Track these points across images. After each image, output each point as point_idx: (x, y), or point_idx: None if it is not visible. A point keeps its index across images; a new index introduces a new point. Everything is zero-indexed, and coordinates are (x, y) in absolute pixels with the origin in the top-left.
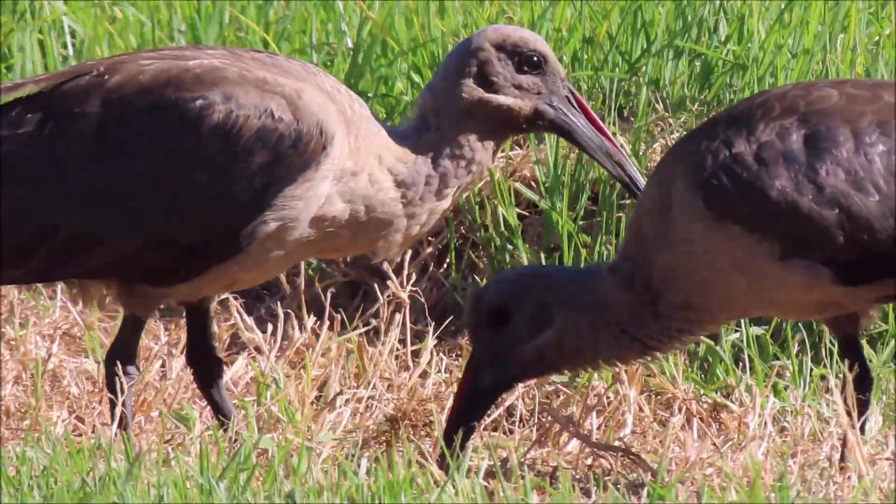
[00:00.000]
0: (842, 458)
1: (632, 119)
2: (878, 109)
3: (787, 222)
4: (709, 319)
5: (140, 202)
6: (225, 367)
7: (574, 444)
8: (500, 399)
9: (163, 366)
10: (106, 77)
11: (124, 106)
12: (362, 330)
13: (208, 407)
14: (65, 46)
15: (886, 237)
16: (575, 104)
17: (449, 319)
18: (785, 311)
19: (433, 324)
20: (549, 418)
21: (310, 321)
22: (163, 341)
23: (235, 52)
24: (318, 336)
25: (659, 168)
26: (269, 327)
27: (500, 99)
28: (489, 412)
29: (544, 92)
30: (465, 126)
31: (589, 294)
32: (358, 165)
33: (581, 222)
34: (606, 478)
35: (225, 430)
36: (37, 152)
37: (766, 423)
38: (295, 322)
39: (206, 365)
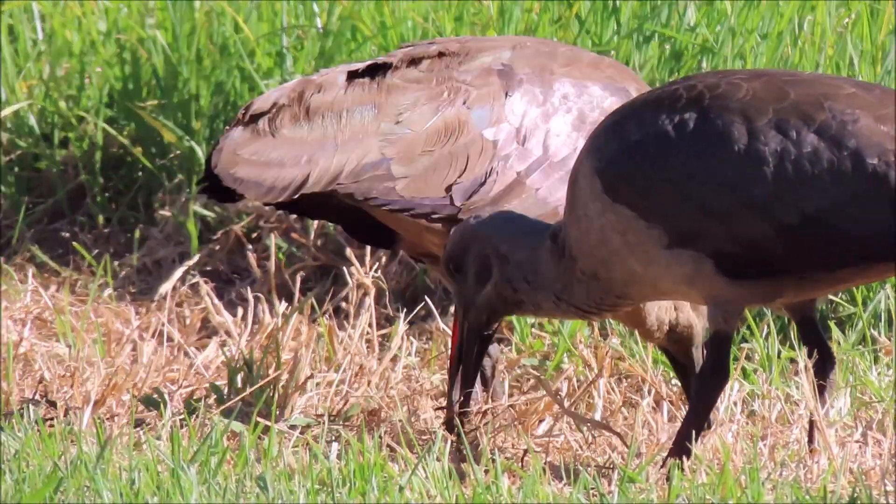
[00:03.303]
0: (810, 441)
1: None
2: (780, 108)
3: (673, 213)
4: (621, 294)
5: None
6: (196, 351)
7: (544, 427)
8: (489, 337)
9: (133, 349)
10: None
11: None
12: (339, 320)
13: (178, 391)
14: (34, 31)
15: (768, 235)
16: None
17: (421, 304)
18: (690, 299)
19: (404, 308)
20: (539, 389)
21: (281, 305)
22: (133, 325)
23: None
24: (288, 320)
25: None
26: (240, 311)
27: None
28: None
29: None
30: None
31: (526, 255)
32: None
33: None
34: (576, 461)
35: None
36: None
37: (735, 406)
38: (266, 306)
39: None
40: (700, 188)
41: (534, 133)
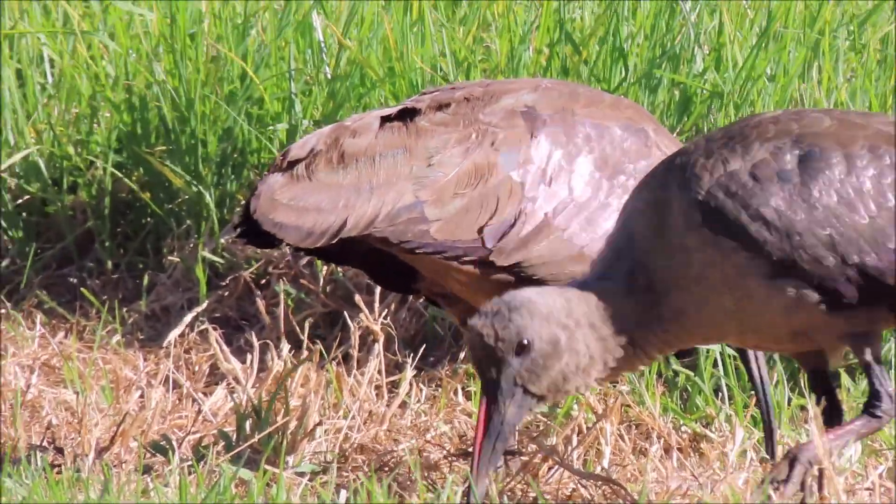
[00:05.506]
0: (820, 488)
1: None
2: (869, 135)
3: (780, 240)
4: (695, 332)
5: None
6: (204, 397)
7: (554, 475)
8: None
9: (141, 396)
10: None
11: None
12: (350, 366)
13: (186, 438)
14: (43, 76)
15: (873, 261)
16: None
17: (423, 349)
18: (760, 339)
19: (413, 355)
20: (533, 447)
21: (286, 350)
22: (141, 371)
23: None
24: (296, 366)
25: (652, 175)
26: (248, 358)
27: None
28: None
29: None
30: None
31: (595, 311)
32: None
33: None
34: None
35: None
36: None
37: (746, 453)
38: (274, 352)
39: None
40: (806, 214)
41: (559, 174)
